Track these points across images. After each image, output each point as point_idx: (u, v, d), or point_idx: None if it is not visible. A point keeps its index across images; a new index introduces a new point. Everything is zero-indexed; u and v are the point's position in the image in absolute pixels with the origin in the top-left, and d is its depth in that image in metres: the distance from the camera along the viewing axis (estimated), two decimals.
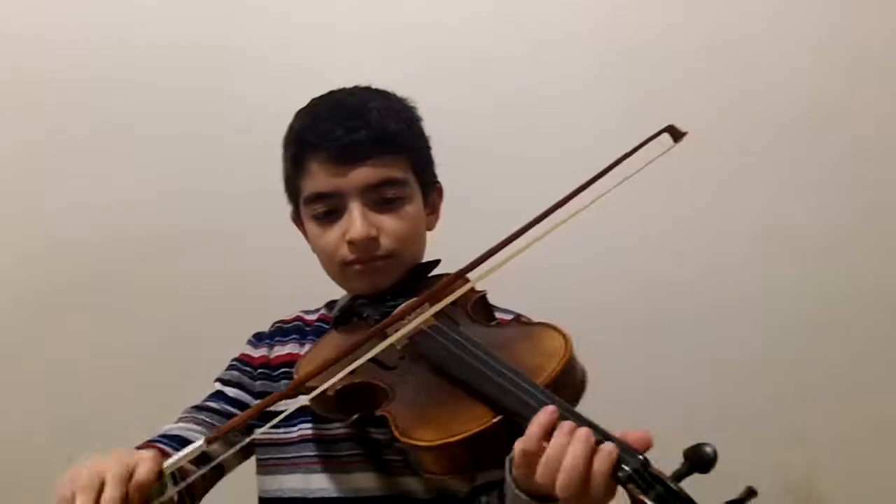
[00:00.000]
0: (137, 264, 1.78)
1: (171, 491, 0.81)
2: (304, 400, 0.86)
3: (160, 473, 0.78)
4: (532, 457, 0.70)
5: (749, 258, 1.79)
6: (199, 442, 0.80)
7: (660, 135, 0.98)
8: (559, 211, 0.90)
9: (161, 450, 0.91)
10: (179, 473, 0.85)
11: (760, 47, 1.80)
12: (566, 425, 0.70)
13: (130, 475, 0.77)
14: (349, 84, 1.11)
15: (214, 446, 0.87)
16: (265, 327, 1.17)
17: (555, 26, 1.78)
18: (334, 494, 0.98)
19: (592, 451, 0.68)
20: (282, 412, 0.84)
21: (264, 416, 0.87)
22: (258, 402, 0.96)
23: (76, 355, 1.75)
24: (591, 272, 1.76)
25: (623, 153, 0.95)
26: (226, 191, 1.78)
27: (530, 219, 0.90)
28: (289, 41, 1.79)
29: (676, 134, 0.99)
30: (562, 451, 0.68)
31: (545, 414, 0.71)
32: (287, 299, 1.20)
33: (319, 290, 1.16)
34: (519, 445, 0.71)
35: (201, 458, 0.84)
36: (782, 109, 1.79)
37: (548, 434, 0.70)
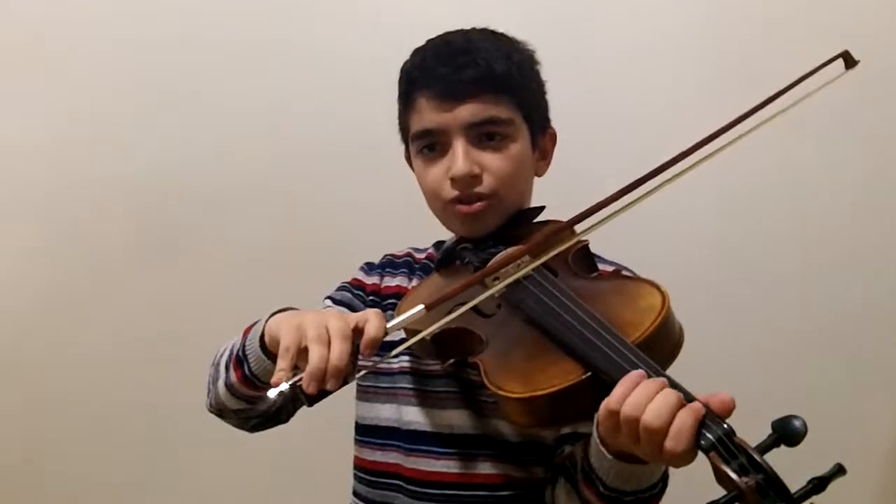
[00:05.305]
0: (220, 211, 1.85)
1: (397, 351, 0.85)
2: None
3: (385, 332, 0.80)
4: (616, 416, 0.70)
5: None
6: (420, 307, 0.82)
7: (834, 60, 0.94)
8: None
9: None
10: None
11: None
12: (650, 383, 0.70)
13: (356, 331, 0.79)
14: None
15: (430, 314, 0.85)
16: (337, 277, 1.18)
17: None
18: (427, 429, 1.01)
19: (676, 408, 0.67)
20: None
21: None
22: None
23: (162, 298, 1.85)
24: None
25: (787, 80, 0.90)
26: (308, 141, 1.81)
27: (646, 171, 0.88)
28: None
29: (850, 61, 0.95)
30: (642, 408, 0.68)
31: (633, 376, 0.71)
32: (368, 249, 1.23)
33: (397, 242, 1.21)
34: (604, 404, 0.72)
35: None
36: None
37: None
